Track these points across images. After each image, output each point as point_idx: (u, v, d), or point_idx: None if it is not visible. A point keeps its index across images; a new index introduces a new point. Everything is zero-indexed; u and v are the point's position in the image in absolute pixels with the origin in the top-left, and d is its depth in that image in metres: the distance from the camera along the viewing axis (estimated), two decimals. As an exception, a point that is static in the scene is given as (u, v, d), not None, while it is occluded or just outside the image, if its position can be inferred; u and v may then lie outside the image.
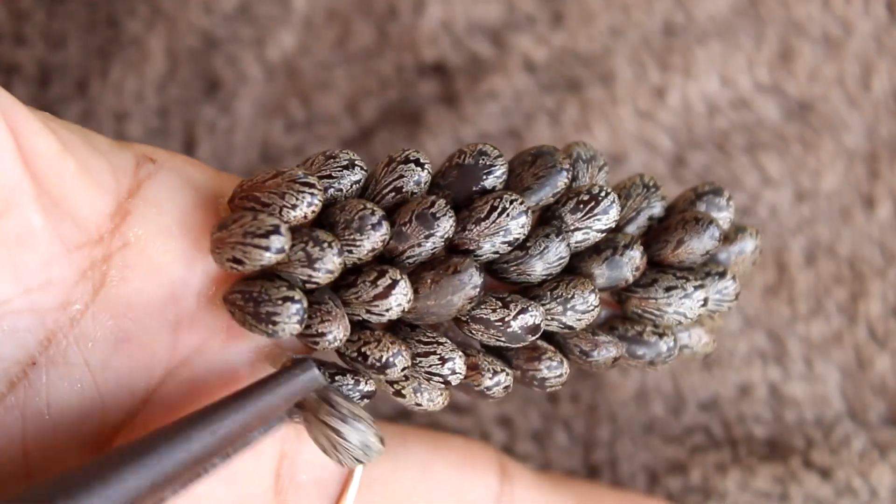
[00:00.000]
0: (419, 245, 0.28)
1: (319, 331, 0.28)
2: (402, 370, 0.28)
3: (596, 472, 0.43)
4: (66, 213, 0.26)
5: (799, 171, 0.47)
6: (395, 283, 0.27)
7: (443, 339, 0.29)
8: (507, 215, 0.28)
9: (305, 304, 0.27)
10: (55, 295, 0.26)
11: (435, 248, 0.28)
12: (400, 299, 0.27)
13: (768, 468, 0.42)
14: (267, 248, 0.26)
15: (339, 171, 0.28)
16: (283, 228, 0.26)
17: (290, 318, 0.27)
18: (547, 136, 0.47)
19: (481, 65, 0.48)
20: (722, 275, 0.31)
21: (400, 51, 0.49)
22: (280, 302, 0.27)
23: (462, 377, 0.29)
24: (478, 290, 0.28)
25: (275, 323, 0.27)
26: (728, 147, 0.47)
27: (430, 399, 0.30)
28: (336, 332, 0.28)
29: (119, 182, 0.27)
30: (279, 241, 0.26)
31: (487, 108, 0.48)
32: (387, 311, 0.28)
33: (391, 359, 0.28)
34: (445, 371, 0.29)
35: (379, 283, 0.27)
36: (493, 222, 0.28)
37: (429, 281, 0.28)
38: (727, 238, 0.32)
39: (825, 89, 0.48)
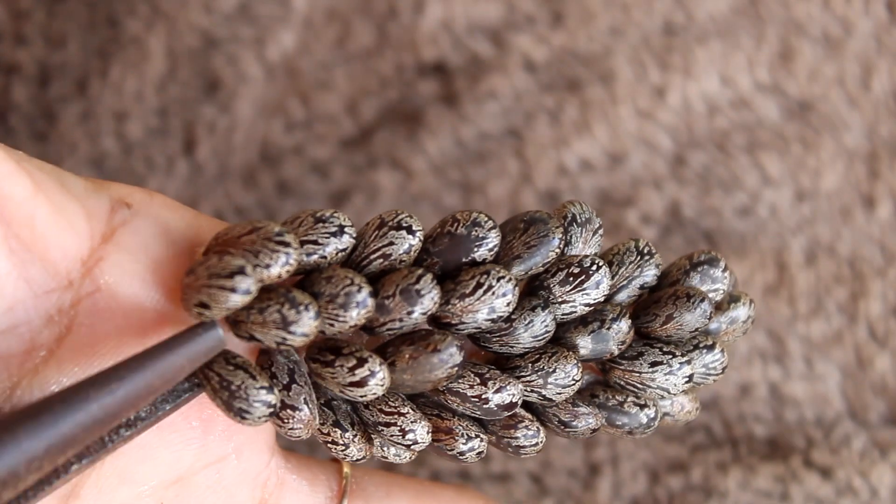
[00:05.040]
0: (400, 320, 0.27)
1: (288, 433, 0.28)
2: (357, 460, 0.29)
3: (596, 471, 0.43)
4: (36, 257, 0.26)
5: (799, 171, 0.47)
6: (372, 374, 0.27)
7: (405, 410, 0.28)
8: (493, 293, 0.27)
9: (278, 404, 0.27)
10: (20, 340, 0.26)
11: (416, 323, 0.27)
12: (375, 389, 0.27)
13: (769, 467, 0.42)
14: (233, 290, 0.25)
15: (325, 237, 0.27)
16: (249, 269, 0.25)
17: (259, 420, 0.27)
18: (547, 135, 0.47)
19: (481, 65, 0.49)
20: (710, 348, 0.30)
21: (400, 51, 0.49)
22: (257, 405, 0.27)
23: (426, 445, 0.28)
24: (456, 368, 0.27)
25: (244, 418, 0.27)
26: (728, 147, 0.47)
27: (397, 454, 0.29)
28: (302, 433, 0.28)
29: (92, 227, 0.26)
30: (245, 283, 0.25)
31: (487, 108, 0.48)
32: (361, 397, 0.27)
33: (351, 451, 0.28)
34: (406, 441, 0.28)
35: (357, 372, 0.27)
36: (478, 299, 0.27)
37: (407, 356, 0.27)
38: (719, 307, 0.31)
39: (825, 89, 0.48)
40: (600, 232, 0.30)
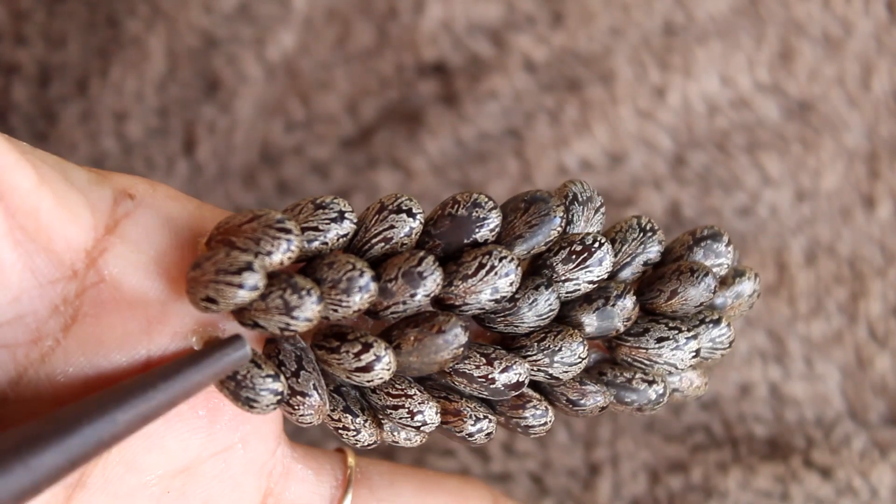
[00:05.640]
0: (404, 303, 0.27)
1: (298, 419, 0.28)
2: (368, 446, 0.29)
3: (597, 471, 0.43)
4: (41, 248, 0.26)
5: (799, 171, 0.47)
6: (378, 359, 0.27)
7: (412, 391, 0.28)
8: (496, 273, 0.27)
9: (286, 392, 0.27)
10: (26, 330, 0.26)
11: (420, 305, 0.27)
12: (382, 373, 0.27)
13: (769, 467, 0.42)
14: (240, 286, 0.25)
15: (326, 223, 0.27)
16: (257, 265, 0.25)
17: (267, 408, 0.27)
18: (547, 135, 0.47)
19: (481, 65, 0.49)
20: (716, 322, 0.30)
21: (400, 51, 0.49)
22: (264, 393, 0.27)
23: (435, 426, 0.29)
24: (462, 349, 0.27)
25: (252, 407, 0.27)
26: (728, 147, 0.47)
27: (407, 437, 0.29)
28: (313, 420, 0.28)
29: (96, 218, 0.27)
30: (252, 279, 0.25)
31: (487, 108, 0.48)
32: (368, 382, 0.27)
33: (362, 436, 0.29)
34: (415, 423, 0.28)
35: (362, 357, 0.27)
36: (481, 280, 0.27)
37: (412, 338, 0.27)
38: (724, 282, 0.31)
39: (825, 89, 0.48)
40: (602, 210, 0.30)
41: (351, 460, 0.31)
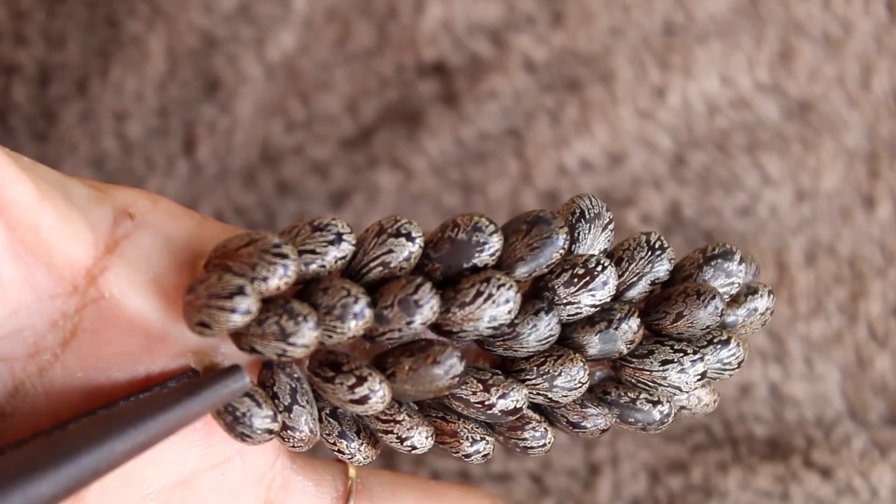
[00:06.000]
0: (400, 330, 0.27)
1: (290, 448, 0.28)
2: (365, 464, 0.29)
3: (596, 471, 0.43)
4: (41, 262, 0.26)
5: (799, 171, 0.47)
6: (372, 392, 0.27)
7: (401, 417, 0.28)
8: (494, 302, 0.27)
9: (279, 428, 0.27)
10: (24, 343, 0.26)
11: (416, 333, 0.27)
12: (376, 406, 0.27)
13: (769, 467, 0.42)
14: (233, 311, 0.25)
15: (324, 246, 0.27)
16: (249, 289, 0.25)
17: (259, 443, 0.27)
18: (547, 135, 0.47)
19: (481, 65, 0.49)
20: (725, 343, 0.29)
21: (400, 51, 0.49)
22: (259, 432, 0.27)
23: (426, 449, 0.28)
24: (458, 378, 0.27)
25: (244, 441, 0.27)
26: (728, 147, 0.47)
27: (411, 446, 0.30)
28: (304, 448, 0.28)
29: (96, 237, 0.27)
30: (245, 303, 0.25)
31: (487, 108, 0.48)
32: (362, 412, 0.27)
33: (357, 459, 0.29)
34: (406, 448, 0.28)
35: (356, 391, 0.27)
36: (479, 308, 0.27)
37: (407, 368, 0.27)
38: (735, 300, 0.30)
39: (825, 89, 0.48)
40: (610, 227, 0.29)
41: (352, 471, 0.31)
